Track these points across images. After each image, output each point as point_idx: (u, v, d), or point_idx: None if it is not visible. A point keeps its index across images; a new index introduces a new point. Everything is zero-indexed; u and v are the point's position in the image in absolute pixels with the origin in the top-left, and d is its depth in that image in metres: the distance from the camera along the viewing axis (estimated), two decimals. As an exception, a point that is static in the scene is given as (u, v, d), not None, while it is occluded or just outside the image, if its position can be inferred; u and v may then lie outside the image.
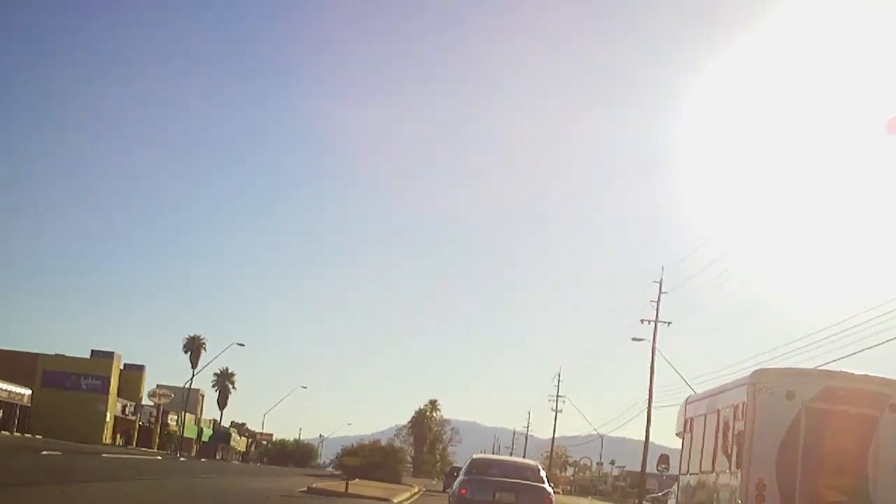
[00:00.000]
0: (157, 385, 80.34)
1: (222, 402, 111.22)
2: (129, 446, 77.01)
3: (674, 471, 20.80)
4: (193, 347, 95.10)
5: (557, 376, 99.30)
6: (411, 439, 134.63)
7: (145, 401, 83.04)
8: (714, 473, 16.11)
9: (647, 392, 53.41)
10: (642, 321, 53.87)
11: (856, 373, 14.81)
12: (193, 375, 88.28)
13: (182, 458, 59.55)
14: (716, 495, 15.80)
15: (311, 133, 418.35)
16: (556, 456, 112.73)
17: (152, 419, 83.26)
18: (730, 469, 15.05)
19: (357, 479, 39.60)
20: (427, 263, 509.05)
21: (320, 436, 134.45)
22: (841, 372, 15.28)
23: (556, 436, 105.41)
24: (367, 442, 65.29)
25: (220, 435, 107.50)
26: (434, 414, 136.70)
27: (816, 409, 14.08)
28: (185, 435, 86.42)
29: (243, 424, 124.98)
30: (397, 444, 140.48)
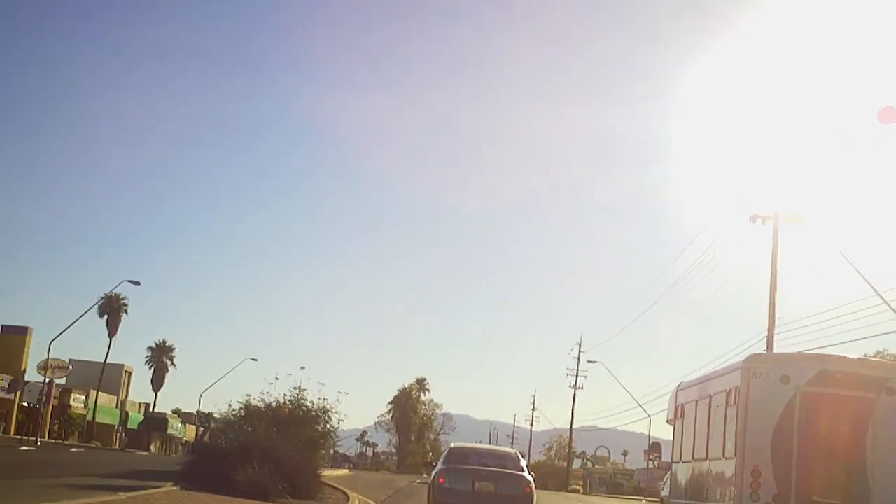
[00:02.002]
0: (70, 359, 62.07)
1: (158, 382, 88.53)
2: (6, 434, 58.41)
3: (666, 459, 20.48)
4: (111, 310, 74.15)
5: (578, 346, 78.75)
6: (394, 427, 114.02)
7: (36, 376, 61.31)
8: (707, 461, 15.77)
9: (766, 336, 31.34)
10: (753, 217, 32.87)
11: (851, 356, 14.50)
12: (111, 344, 74.10)
13: (25, 448, 41.59)
14: (710, 483, 15.47)
15: (307, 123, 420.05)
16: (561, 447, 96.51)
17: (45, 399, 59.42)
18: (723, 456, 14.71)
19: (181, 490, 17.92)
20: (416, 251, 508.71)
21: None
22: (836, 355, 14.95)
23: (550, 428, 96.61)
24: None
25: (154, 421, 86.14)
26: (422, 395, 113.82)
27: (811, 393, 13.75)
28: (97, 420, 71.52)
29: (209, 414, 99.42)
30: (380, 433, 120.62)
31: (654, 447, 21.76)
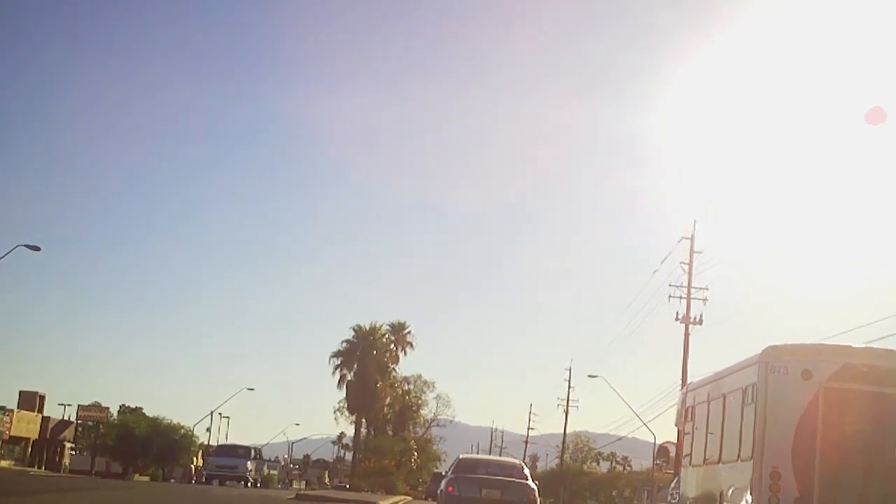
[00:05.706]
0: None
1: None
2: None
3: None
4: None
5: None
6: (344, 404, 64.35)
7: None
8: (720, 464, 14.78)
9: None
10: None
11: (878, 347, 13.52)
12: None
13: None
14: (724, 487, 14.45)
15: (298, 124, 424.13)
16: (576, 449, 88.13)
17: None
18: (739, 458, 13.71)
19: None
20: (412, 253, 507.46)
21: (214, 415, 72.54)
22: (862, 347, 13.96)
23: (548, 433, 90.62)
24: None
25: None
26: (401, 354, 64.52)
27: (835, 388, 12.79)
28: None
29: (106, 407, 65.62)
30: (341, 424, 75.48)
31: (662, 451, 20.61)
